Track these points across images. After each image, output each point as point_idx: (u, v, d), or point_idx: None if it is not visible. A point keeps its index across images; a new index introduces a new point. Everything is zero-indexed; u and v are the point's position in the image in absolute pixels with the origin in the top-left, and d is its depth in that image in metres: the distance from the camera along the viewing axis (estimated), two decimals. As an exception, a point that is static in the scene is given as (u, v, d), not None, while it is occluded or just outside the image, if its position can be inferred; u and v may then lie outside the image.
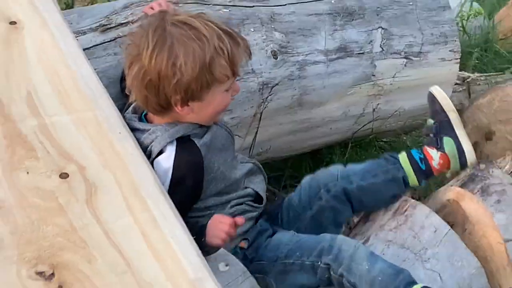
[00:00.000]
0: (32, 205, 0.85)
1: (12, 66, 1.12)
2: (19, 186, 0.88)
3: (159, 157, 1.07)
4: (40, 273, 0.75)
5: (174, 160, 1.06)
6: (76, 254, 0.79)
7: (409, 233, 1.22)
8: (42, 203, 0.86)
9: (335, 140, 1.93)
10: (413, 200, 1.30)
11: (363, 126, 1.89)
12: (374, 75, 1.79)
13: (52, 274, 0.75)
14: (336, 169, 1.33)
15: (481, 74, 2.42)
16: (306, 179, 1.35)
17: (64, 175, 0.90)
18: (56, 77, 1.11)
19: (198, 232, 0.98)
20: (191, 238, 0.84)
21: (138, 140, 1.04)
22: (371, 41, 1.77)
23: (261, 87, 1.54)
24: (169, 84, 1.00)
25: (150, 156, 1.07)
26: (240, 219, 1.05)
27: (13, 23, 1.22)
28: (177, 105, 1.04)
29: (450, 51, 1.90)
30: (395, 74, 1.83)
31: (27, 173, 0.90)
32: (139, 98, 1.08)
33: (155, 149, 1.07)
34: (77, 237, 0.81)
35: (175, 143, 1.07)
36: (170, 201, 0.91)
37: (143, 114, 1.16)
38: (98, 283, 0.75)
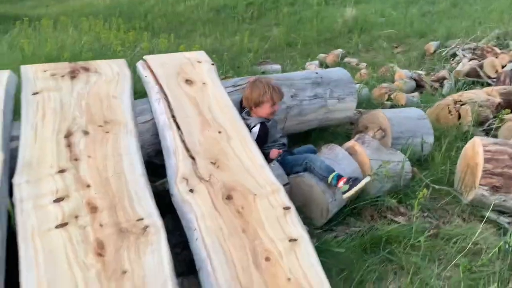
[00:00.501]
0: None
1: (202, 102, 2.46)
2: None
3: (253, 128, 2.53)
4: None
5: (259, 129, 2.54)
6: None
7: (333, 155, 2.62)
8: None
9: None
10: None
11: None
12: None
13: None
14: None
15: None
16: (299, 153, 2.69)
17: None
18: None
19: (266, 155, 2.31)
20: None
21: (246, 123, 2.45)
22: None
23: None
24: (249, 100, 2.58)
25: (250, 128, 2.47)
26: (280, 151, 2.56)
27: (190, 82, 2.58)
28: (251, 109, 2.60)
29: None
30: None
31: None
32: (247, 106, 2.63)
33: (252, 125, 2.55)
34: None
35: (259, 124, 2.55)
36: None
37: (249, 112, 2.64)
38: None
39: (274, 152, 2.51)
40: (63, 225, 1.69)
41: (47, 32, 6.81)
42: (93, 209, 1.77)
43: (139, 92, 2.65)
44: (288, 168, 2.46)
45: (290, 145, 2.80)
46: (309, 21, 10.75)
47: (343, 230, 2.27)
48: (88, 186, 1.85)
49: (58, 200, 1.77)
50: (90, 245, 1.63)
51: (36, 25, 6.84)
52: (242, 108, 2.66)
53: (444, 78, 5.92)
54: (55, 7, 15.71)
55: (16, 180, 1.83)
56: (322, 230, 2.26)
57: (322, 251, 1.90)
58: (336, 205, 2.35)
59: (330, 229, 2.27)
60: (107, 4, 14.29)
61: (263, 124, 2.53)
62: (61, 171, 1.89)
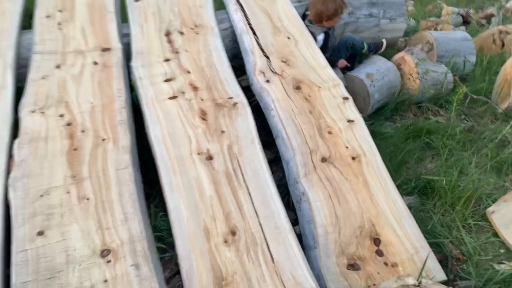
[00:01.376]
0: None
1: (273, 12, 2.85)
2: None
3: (318, 37, 2.88)
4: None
5: (323, 38, 2.90)
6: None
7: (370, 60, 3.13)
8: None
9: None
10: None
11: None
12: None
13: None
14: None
15: None
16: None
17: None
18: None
19: (333, 62, 2.84)
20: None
21: (311, 31, 2.78)
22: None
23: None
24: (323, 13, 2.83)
25: (314, 36, 2.80)
26: (347, 64, 2.99)
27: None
28: (322, 21, 2.87)
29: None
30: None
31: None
32: (312, 16, 2.89)
33: (316, 33, 2.87)
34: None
35: (323, 33, 2.89)
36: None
37: (311, 21, 2.93)
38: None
39: (342, 62, 2.92)
40: (174, 97, 2.18)
41: None
42: (195, 88, 2.25)
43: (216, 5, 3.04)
44: (336, 51, 3.00)
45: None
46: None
47: (390, 124, 2.69)
48: (189, 72, 2.33)
49: (167, 80, 2.26)
50: (195, 112, 2.13)
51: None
52: (303, 19, 3.02)
53: (491, 15, 5.98)
54: None
55: (133, 63, 2.32)
56: (371, 122, 2.68)
57: (373, 134, 2.33)
58: (376, 90, 2.74)
59: (380, 124, 2.69)
60: None
61: (326, 33, 2.90)
62: (166, 60, 2.37)
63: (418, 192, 2.14)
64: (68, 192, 1.73)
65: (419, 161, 2.39)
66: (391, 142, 2.42)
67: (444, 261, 1.84)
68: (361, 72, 2.80)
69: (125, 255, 1.58)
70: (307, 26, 2.82)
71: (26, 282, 1.48)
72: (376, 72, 2.76)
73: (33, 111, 2.01)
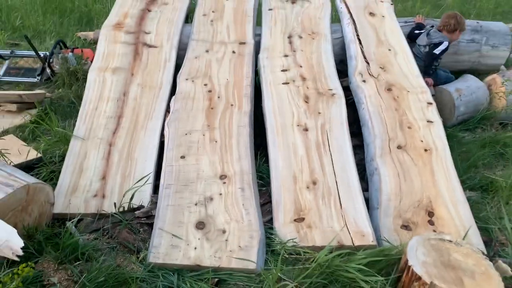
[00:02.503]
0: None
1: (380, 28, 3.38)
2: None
3: (444, 43, 3.32)
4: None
5: (447, 46, 3.34)
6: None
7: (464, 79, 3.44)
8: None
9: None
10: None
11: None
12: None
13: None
14: None
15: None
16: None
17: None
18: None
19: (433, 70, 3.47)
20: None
21: (435, 40, 3.36)
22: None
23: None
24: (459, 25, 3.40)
25: (435, 43, 3.36)
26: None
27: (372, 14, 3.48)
28: (449, 31, 3.38)
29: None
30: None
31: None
32: (446, 25, 3.37)
33: (443, 40, 3.34)
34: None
35: (448, 42, 3.34)
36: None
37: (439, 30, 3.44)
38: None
39: (430, 81, 3.25)
40: (286, 83, 2.81)
41: None
42: (303, 79, 2.85)
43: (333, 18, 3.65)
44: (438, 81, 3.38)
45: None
46: (488, -6, 10.35)
47: (469, 134, 3.00)
48: (301, 66, 2.94)
49: (283, 70, 2.91)
50: (301, 96, 2.73)
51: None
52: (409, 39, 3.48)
53: None
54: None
55: (260, 56, 3.02)
56: (452, 130, 3.01)
57: (450, 137, 2.68)
58: (462, 103, 3.06)
59: (460, 131, 3.01)
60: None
61: (449, 43, 3.34)
62: (285, 55, 3.02)
63: (480, 189, 2.46)
64: (203, 135, 2.45)
65: (489, 167, 2.67)
66: (467, 146, 2.75)
67: (488, 242, 2.16)
68: (451, 86, 3.15)
69: (236, 181, 2.22)
70: (430, 34, 3.35)
71: (170, 184, 2.20)
72: (465, 88, 3.09)
73: (186, 79, 2.79)
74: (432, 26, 3.48)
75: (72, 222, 2.03)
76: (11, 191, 1.82)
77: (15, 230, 1.68)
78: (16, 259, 1.64)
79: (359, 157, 2.70)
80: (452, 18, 3.35)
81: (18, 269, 1.61)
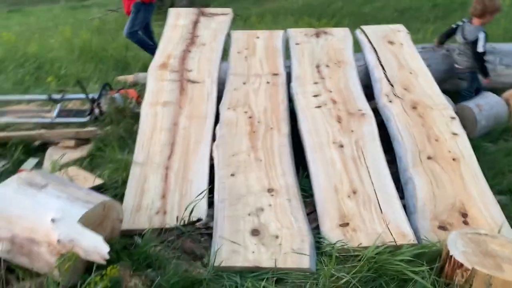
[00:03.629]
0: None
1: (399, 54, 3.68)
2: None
3: (480, 35, 3.53)
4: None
5: (484, 36, 3.54)
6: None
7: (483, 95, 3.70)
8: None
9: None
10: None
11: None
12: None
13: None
14: None
15: None
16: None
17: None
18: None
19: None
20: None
21: (469, 37, 3.63)
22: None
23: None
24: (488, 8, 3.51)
25: (475, 37, 3.58)
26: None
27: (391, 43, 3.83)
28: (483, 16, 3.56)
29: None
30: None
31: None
32: (475, 11, 3.57)
33: (477, 33, 3.56)
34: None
35: (483, 32, 3.55)
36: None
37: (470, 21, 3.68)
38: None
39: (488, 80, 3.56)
40: (318, 107, 3.09)
41: (255, 25, 8.91)
42: (334, 102, 3.13)
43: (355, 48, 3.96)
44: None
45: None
46: (497, 21, 10.72)
47: (492, 145, 3.19)
48: (330, 91, 3.23)
49: (315, 96, 3.19)
50: (333, 117, 2.99)
51: (246, 20, 8.99)
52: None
53: None
54: (254, 10, 18.60)
55: (292, 84, 3.33)
56: (476, 141, 3.21)
57: (475, 147, 2.89)
58: (483, 117, 3.27)
59: (483, 143, 3.21)
60: (299, 5, 16.36)
61: (485, 33, 3.50)
62: (315, 83, 3.32)
63: (508, 192, 2.64)
64: (249, 155, 2.71)
65: (517, 174, 2.86)
66: (491, 156, 2.94)
67: (522, 238, 2.32)
68: (471, 102, 3.39)
69: (282, 193, 2.46)
70: (464, 29, 3.61)
71: (224, 198, 2.44)
72: (485, 103, 3.33)
73: (228, 108, 3.10)
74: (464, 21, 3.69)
75: (139, 235, 2.28)
76: (92, 206, 2.08)
77: (101, 237, 1.93)
78: (103, 262, 1.89)
79: (391, 170, 2.91)
80: (478, 3, 3.49)
81: (106, 270, 1.86)
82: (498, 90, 3.76)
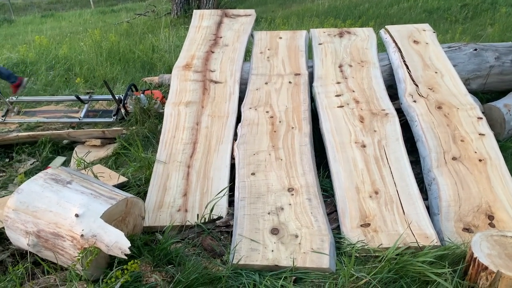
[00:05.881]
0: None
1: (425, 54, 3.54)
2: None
3: None
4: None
5: None
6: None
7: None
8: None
9: None
10: None
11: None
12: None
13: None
14: None
15: None
16: None
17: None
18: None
19: None
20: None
21: None
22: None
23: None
24: None
25: None
26: None
27: (416, 42, 3.68)
28: None
29: None
30: None
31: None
32: None
33: None
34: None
35: None
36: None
37: None
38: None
39: None
40: (341, 106, 3.06)
41: (280, 27, 8.94)
42: (357, 102, 3.10)
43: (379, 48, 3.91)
44: None
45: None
46: (523, 24, 10.37)
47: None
48: (353, 91, 3.20)
49: (337, 95, 3.17)
50: (356, 117, 2.96)
51: (271, 22, 9.01)
52: None
53: None
54: (280, 12, 18.63)
55: (314, 84, 3.31)
56: (504, 142, 3.11)
57: (503, 148, 2.80)
58: (511, 118, 3.17)
59: (512, 144, 3.12)
60: (325, 8, 16.28)
61: None
62: (338, 82, 3.29)
63: (539, 194, 2.55)
64: (270, 154, 2.71)
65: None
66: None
67: (552, 243, 2.23)
68: (499, 103, 3.29)
69: (302, 192, 2.45)
70: None
71: (244, 197, 2.45)
72: (514, 103, 3.23)
73: (250, 108, 3.11)
74: None
75: (161, 233, 2.32)
76: (115, 202, 2.13)
77: (122, 233, 1.96)
78: (124, 257, 1.92)
79: (415, 171, 2.86)
80: None
81: (127, 265, 1.89)
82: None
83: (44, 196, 2.06)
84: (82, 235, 1.92)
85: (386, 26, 3.90)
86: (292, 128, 2.90)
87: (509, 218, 2.31)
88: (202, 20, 4.12)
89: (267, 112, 3.06)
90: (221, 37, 3.88)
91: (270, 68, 3.50)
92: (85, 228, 1.93)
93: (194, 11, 4.30)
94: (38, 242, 2.03)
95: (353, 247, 2.14)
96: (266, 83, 3.34)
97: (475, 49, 3.70)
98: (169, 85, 3.89)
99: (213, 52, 3.67)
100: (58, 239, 1.98)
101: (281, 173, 2.57)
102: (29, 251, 2.09)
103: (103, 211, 2.00)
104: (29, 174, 3.11)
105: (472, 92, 3.47)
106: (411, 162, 2.81)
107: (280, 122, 2.96)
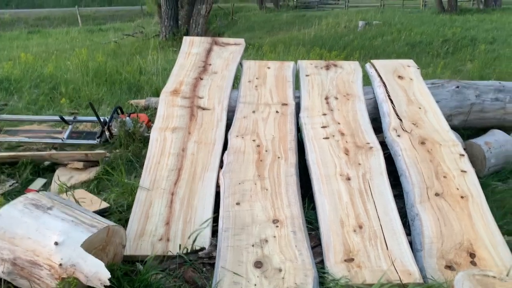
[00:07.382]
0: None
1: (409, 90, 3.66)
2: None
3: None
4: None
5: None
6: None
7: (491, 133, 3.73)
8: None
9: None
10: None
11: None
12: None
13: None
14: None
15: None
16: None
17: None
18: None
19: None
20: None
21: None
22: None
23: None
24: None
25: None
26: None
27: (401, 77, 3.75)
28: None
29: None
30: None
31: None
32: None
33: None
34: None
35: None
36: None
37: None
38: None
39: None
40: (326, 138, 3.10)
41: (267, 54, 9.08)
42: (342, 134, 3.14)
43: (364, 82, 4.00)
44: None
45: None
46: (508, 58, 10.79)
47: (502, 184, 3.16)
48: (339, 123, 3.24)
49: (323, 127, 3.20)
50: (341, 149, 2.99)
51: (258, 49, 9.16)
52: None
53: None
54: (267, 39, 18.95)
55: (301, 115, 3.34)
56: (484, 179, 3.18)
57: (484, 185, 2.86)
58: (492, 156, 3.24)
59: (492, 181, 3.18)
60: (311, 37, 16.64)
61: None
62: (324, 114, 3.34)
63: (518, 233, 2.59)
64: (255, 184, 2.70)
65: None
66: (500, 195, 2.90)
67: (531, 282, 2.26)
68: (480, 140, 3.38)
69: (287, 224, 2.43)
70: None
71: (228, 227, 2.43)
72: (494, 141, 3.31)
73: (237, 136, 3.11)
74: None
75: (141, 262, 2.26)
76: (96, 230, 2.08)
77: (102, 263, 1.91)
78: (104, 288, 1.87)
79: (399, 205, 2.88)
80: None
81: (106, 298, 1.84)
82: (507, 129, 3.74)
83: (23, 221, 2.00)
84: (60, 264, 1.86)
85: (372, 61, 3.99)
86: (279, 157, 2.91)
87: (490, 257, 2.34)
88: (192, 46, 4.16)
89: (253, 140, 3.06)
90: (210, 64, 3.91)
91: (258, 97, 3.53)
92: (64, 257, 1.88)
93: (184, 37, 4.34)
94: (13, 270, 1.96)
95: (337, 283, 2.13)
96: (253, 112, 3.37)
97: (457, 87, 3.81)
98: (155, 108, 3.87)
99: (202, 79, 3.69)
100: (35, 268, 1.91)
101: (266, 204, 2.56)
102: (3, 279, 2.01)
103: (83, 240, 1.95)
104: (7, 196, 3.03)
105: (454, 128, 3.54)
106: (395, 196, 2.83)
107: (266, 151, 2.97)
